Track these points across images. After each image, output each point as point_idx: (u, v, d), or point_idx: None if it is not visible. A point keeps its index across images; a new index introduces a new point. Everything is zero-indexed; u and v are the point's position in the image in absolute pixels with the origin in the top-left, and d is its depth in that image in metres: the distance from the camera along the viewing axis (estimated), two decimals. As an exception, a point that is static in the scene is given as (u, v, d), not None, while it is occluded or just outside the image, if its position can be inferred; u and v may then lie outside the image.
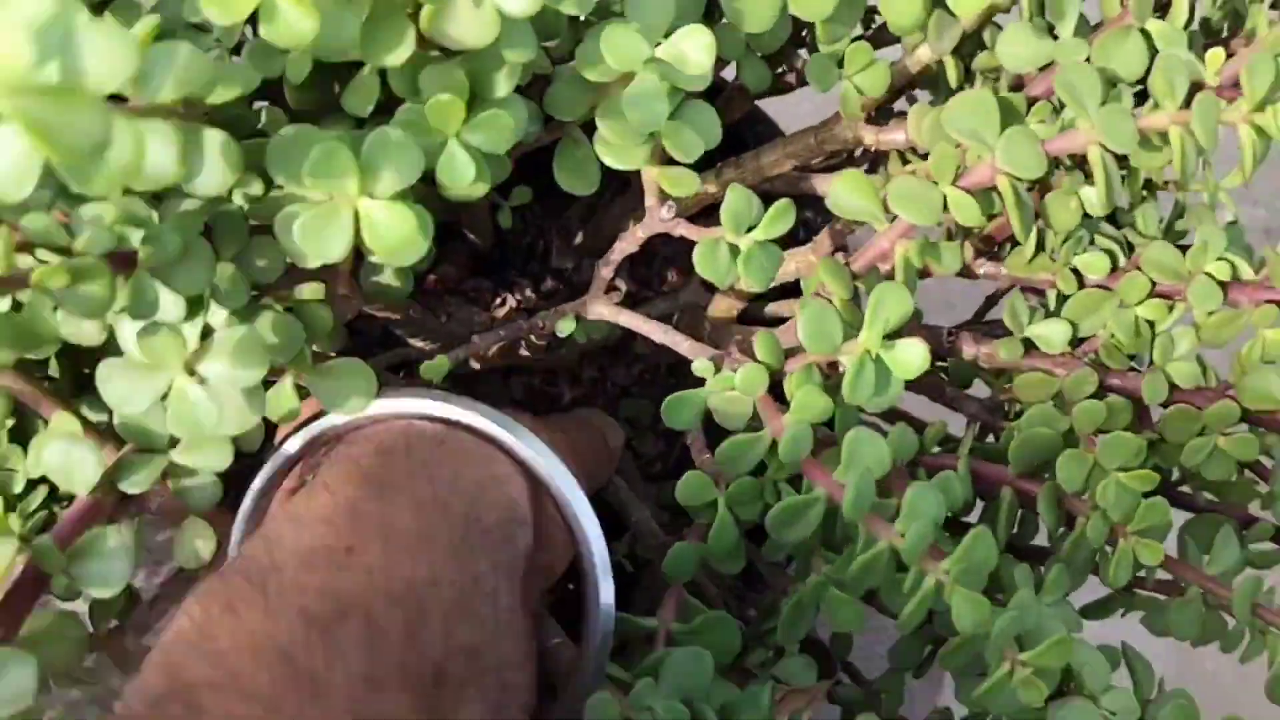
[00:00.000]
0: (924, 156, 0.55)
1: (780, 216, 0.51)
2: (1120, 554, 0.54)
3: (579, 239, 0.79)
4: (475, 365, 0.68)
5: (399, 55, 0.44)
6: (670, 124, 0.49)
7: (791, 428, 0.51)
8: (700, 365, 0.55)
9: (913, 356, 0.51)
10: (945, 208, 0.51)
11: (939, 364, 0.65)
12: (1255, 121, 0.46)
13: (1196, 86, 0.50)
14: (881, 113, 0.64)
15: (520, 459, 0.51)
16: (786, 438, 0.50)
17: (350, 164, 0.42)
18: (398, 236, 0.43)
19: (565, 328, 0.60)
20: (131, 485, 0.49)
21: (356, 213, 0.43)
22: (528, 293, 0.79)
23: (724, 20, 0.53)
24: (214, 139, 0.40)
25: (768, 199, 0.71)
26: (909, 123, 0.57)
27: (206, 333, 0.46)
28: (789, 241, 0.56)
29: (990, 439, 0.64)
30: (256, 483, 0.52)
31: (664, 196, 0.54)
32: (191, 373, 0.44)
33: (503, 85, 0.47)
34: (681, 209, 0.55)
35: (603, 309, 0.60)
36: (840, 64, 0.58)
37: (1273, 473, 0.57)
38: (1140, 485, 0.54)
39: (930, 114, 0.55)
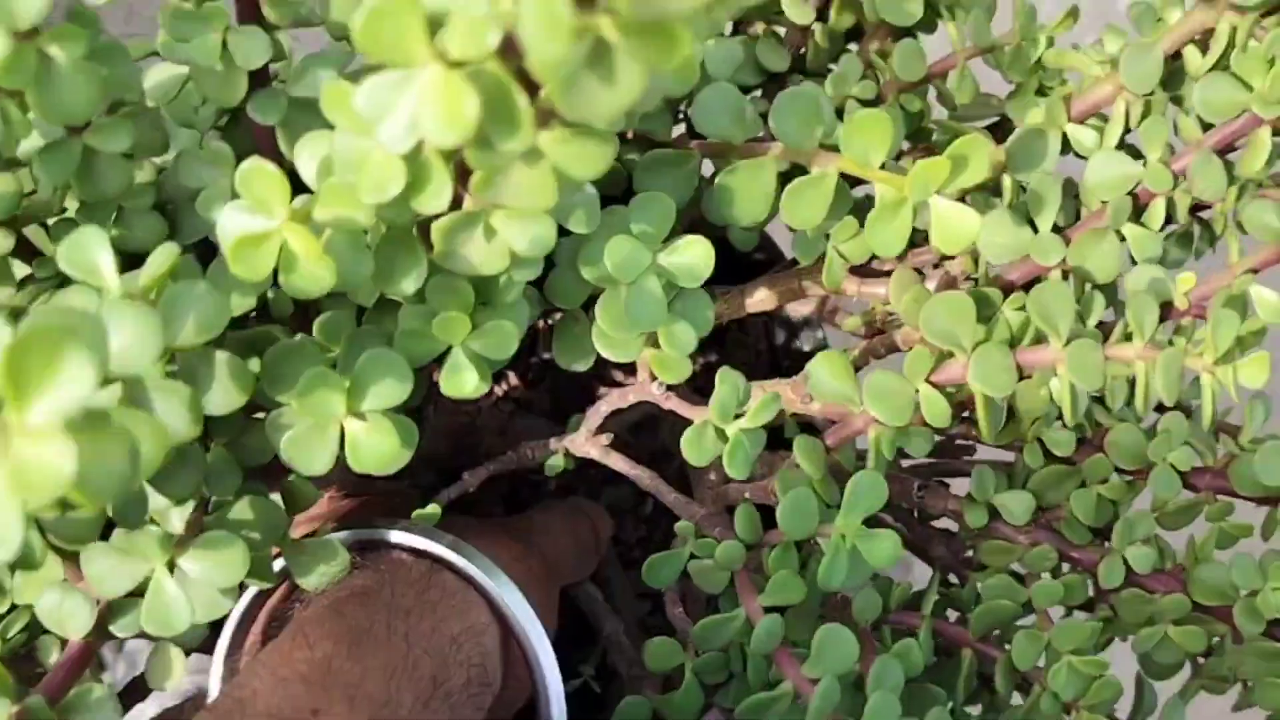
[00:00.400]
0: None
1: (767, 407, 0.54)
2: (1072, 725, 0.57)
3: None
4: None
5: (410, 285, 0.45)
6: (666, 319, 0.52)
7: (766, 621, 0.54)
8: (681, 527, 0.59)
9: (885, 548, 0.54)
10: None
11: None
12: (1216, 374, 0.49)
13: (1166, 305, 0.53)
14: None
15: (495, 605, 0.54)
16: (760, 631, 0.54)
17: (338, 388, 0.44)
18: (380, 455, 0.45)
19: (554, 466, 0.63)
20: (122, 630, 0.50)
21: (342, 428, 0.45)
22: (513, 380, 0.81)
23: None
24: (223, 362, 0.43)
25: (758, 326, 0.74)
26: (891, 289, 0.59)
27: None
28: (769, 368, 0.59)
29: (953, 580, 0.67)
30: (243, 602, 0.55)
31: (655, 375, 0.56)
32: (172, 567, 0.47)
33: (507, 295, 0.49)
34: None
35: (591, 449, 0.62)
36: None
37: (1217, 650, 0.60)
38: (1092, 670, 0.56)
39: (911, 291, 0.57)
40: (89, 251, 0.42)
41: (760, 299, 0.67)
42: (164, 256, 0.42)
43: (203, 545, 0.47)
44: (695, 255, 0.51)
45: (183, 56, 0.49)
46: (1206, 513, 0.59)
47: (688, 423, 0.73)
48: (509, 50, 0.29)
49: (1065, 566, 0.62)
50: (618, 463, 0.62)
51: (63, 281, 0.52)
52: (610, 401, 0.60)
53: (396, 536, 0.55)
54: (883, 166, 0.50)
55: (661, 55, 0.27)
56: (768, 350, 0.83)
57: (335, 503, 0.62)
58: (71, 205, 0.52)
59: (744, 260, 0.71)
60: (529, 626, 0.54)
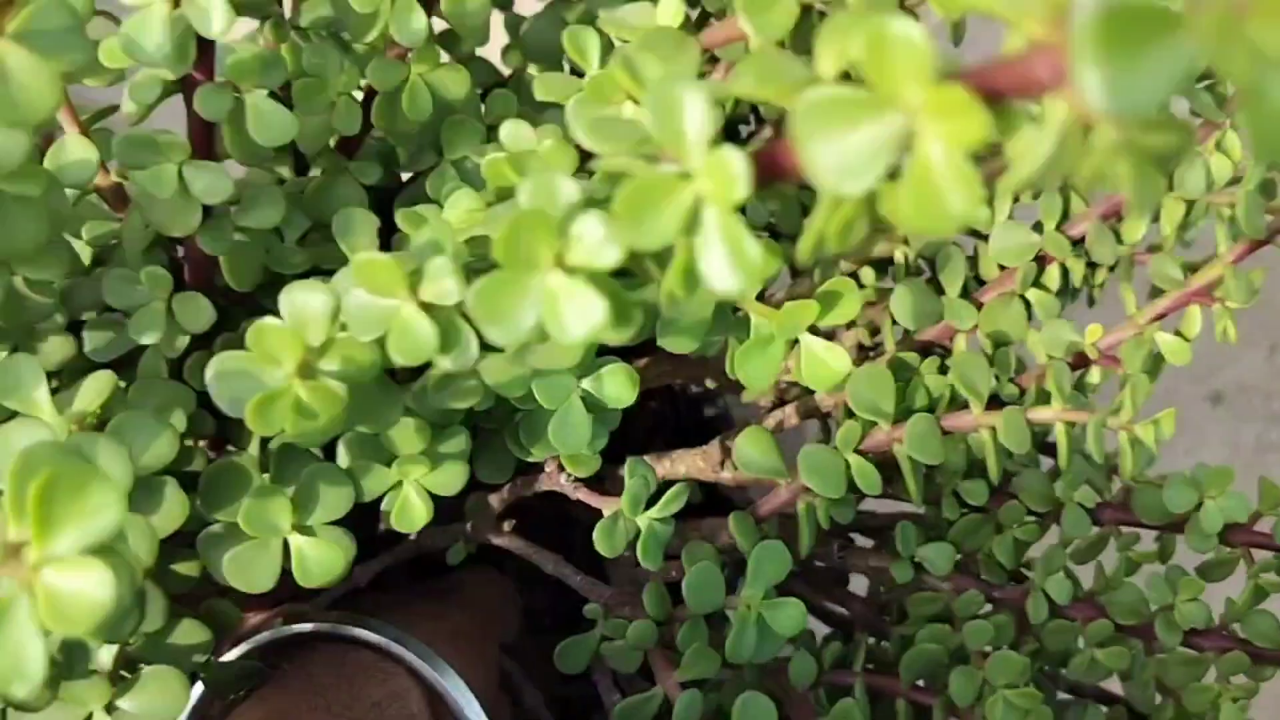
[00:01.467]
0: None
1: (675, 499, 0.56)
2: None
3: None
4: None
5: (386, 424, 0.46)
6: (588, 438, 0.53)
7: (684, 696, 0.55)
8: (590, 610, 0.60)
9: (791, 616, 0.56)
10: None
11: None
12: (1134, 432, 0.53)
13: (1080, 357, 0.57)
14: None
15: (416, 671, 0.55)
16: (679, 707, 0.55)
17: (285, 507, 0.46)
18: (327, 568, 0.47)
19: (455, 556, 0.64)
20: None
21: (285, 543, 0.47)
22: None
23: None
24: (169, 490, 0.44)
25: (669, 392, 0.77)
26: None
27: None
28: (690, 437, 0.62)
29: (875, 636, 0.70)
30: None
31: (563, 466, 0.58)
32: (110, 709, 0.46)
33: (455, 420, 0.51)
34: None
35: (493, 537, 0.63)
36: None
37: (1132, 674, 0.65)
38: (1026, 703, 0.60)
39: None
40: (24, 382, 0.43)
41: (663, 374, 0.69)
42: (101, 386, 0.44)
43: (142, 682, 0.47)
44: (618, 385, 0.52)
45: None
46: (1116, 543, 0.64)
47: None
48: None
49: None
50: (519, 548, 0.63)
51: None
52: (514, 490, 0.62)
53: (309, 629, 0.56)
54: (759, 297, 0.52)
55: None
56: (671, 415, 0.86)
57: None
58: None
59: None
60: (451, 685, 0.55)
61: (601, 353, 0.53)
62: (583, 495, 0.59)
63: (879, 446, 0.57)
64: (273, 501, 0.46)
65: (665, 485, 0.57)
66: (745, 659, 0.56)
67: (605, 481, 0.61)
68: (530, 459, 0.55)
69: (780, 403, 0.68)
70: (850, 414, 0.58)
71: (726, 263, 0.29)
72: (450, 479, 0.51)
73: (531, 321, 0.33)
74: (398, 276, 0.37)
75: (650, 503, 0.56)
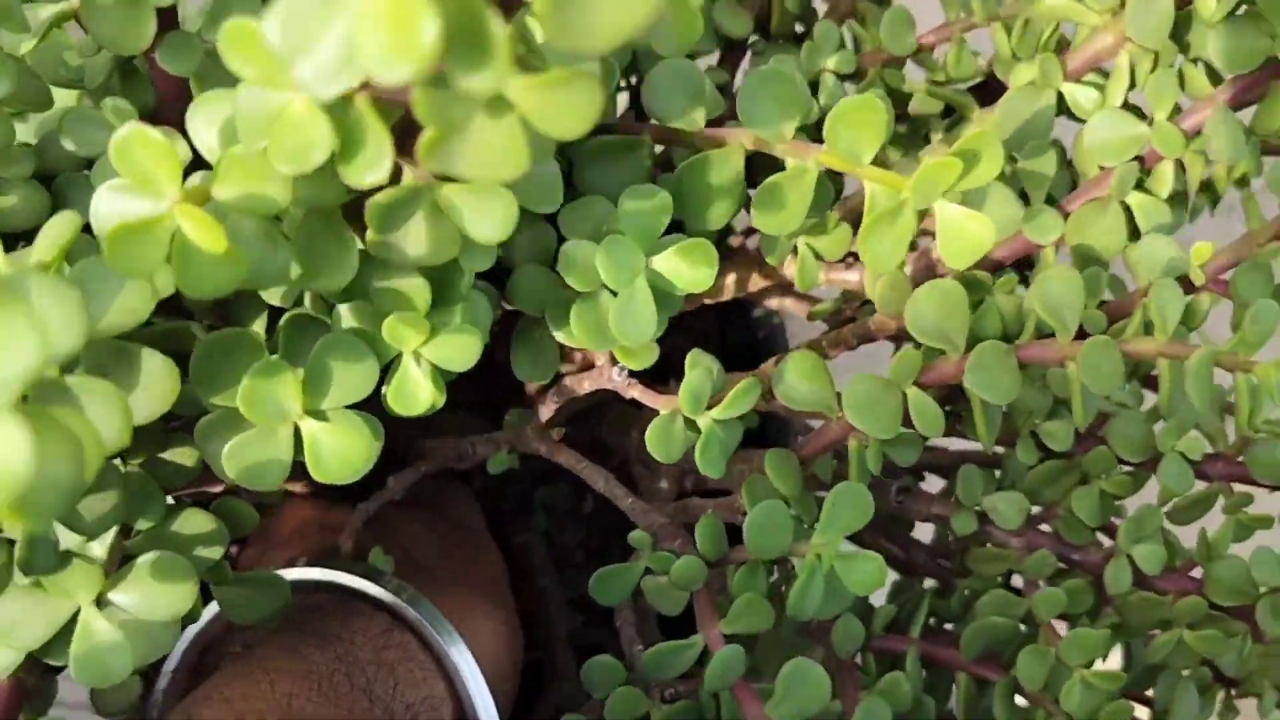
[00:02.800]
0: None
1: (743, 396, 0.50)
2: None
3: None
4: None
5: (339, 280, 0.41)
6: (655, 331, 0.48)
7: (724, 651, 0.50)
8: (637, 538, 0.55)
9: (868, 573, 0.50)
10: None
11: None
12: (1253, 374, 0.45)
13: (1184, 282, 0.49)
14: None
15: (448, 672, 0.52)
16: (717, 662, 0.50)
17: (293, 383, 0.41)
18: (344, 461, 0.41)
19: (498, 464, 0.60)
20: (61, 659, 0.43)
21: (297, 430, 0.41)
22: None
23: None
24: (148, 358, 0.38)
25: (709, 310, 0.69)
26: (866, 278, 0.54)
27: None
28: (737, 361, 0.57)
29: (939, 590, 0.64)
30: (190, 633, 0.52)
31: (615, 359, 0.53)
32: (102, 603, 0.42)
33: (458, 287, 0.44)
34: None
35: (540, 445, 0.59)
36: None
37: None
38: (1107, 684, 0.54)
39: (888, 277, 0.52)
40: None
41: (723, 288, 0.62)
42: (63, 226, 0.38)
43: (140, 572, 0.42)
44: (697, 262, 0.47)
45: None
46: (1223, 504, 0.59)
47: (629, 416, 0.68)
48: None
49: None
50: (569, 460, 0.59)
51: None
52: (563, 391, 0.58)
53: (361, 586, 0.53)
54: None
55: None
56: (717, 338, 0.78)
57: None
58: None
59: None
60: (481, 702, 0.52)
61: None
62: (637, 392, 0.53)
63: (945, 379, 0.51)
64: (279, 380, 0.41)
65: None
66: (808, 616, 0.51)
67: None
68: (575, 347, 0.51)
69: (846, 322, 0.61)
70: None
71: None
72: (458, 351, 0.44)
73: (337, 49, 0.26)
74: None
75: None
